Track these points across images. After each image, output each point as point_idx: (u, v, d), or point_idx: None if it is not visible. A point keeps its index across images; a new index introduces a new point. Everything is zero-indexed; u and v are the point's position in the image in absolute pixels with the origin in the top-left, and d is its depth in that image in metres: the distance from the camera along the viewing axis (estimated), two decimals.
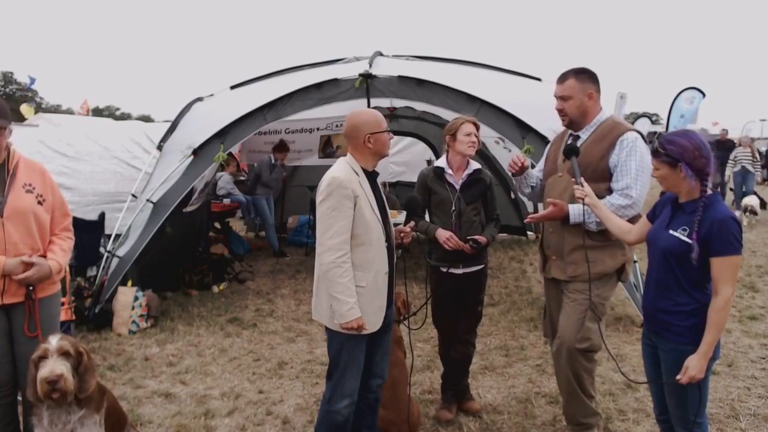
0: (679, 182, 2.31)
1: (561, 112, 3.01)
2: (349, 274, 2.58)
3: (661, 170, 2.33)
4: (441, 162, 3.53)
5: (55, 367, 2.37)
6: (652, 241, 2.46)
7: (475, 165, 3.50)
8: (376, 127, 2.71)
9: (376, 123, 2.72)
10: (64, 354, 2.43)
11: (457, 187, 3.45)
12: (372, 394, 2.91)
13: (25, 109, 13.62)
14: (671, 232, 2.33)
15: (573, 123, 3.01)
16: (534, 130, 5.00)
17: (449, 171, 3.47)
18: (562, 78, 3.00)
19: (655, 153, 2.34)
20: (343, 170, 2.66)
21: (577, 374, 2.95)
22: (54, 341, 2.45)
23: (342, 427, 2.74)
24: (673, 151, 2.27)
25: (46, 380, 2.34)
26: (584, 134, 2.99)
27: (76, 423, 2.46)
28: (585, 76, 2.97)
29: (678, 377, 2.28)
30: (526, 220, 3.23)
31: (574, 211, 2.87)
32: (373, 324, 2.68)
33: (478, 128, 3.45)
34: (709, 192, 2.28)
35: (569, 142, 3.04)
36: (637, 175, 2.83)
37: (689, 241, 2.25)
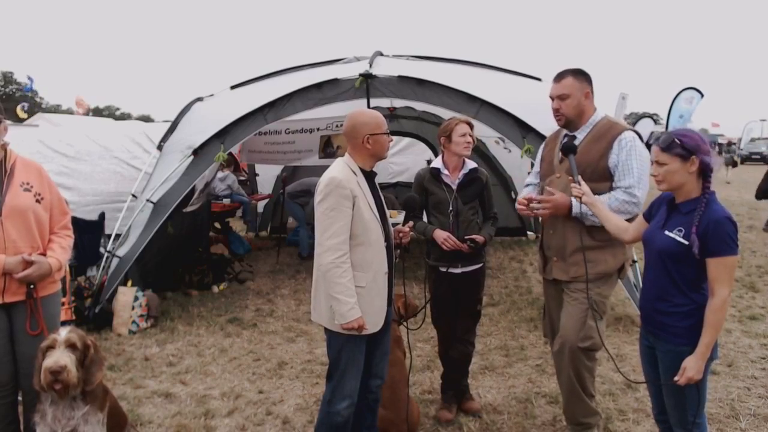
0: (685, 177, 2.28)
1: (557, 111, 3.00)
2: (349, 274, 2.58)
3: (670, 164, 2.28)
4: (437, 163, 3.53)
5: (60, 358, 2.39)
6: (648, 241, 2.46)
7: (471, 164, 3.51)
8: (376, 128, 2.71)
9: (376, 124, 2.72)
10: (70, 346, 2.45)
11: (454, 187, 3.46)
12: (371, 394, 2.91)
13: (18, 111, 13.76)
14: (667, 233, 2.33)
15: (569, 123, 3.01)
16: (534, 130, 5.00)
17: (445, 171, 3.47)
18: (560, 77, 2.99)
19: (668, 146, 2.29)
20: (341, 170, 2.66)
21: (578, 373, 2.95)
22: (63, 332, 2.48)
23: (342, 427, 2.74)
24: (689, 143, 2.26)
25: (50, 370, 2.36)
26: (580, 134, 2.99)
27: (80, 419, 2.47)
28: (581, 75, 2.98)
29: (676, 378, 2.27)
30: (531, 205, 3.06)
31: (576, 201, 2.86)
32: (373, 324, 2.68)
33: (472, 127, 3.45)
34: (711, 190, 2.28)
35: (565, 140, 3.04)
36: (639, 175, 2.83)
37: (685, 242, 2.25)
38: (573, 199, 2.86)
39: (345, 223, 2.58)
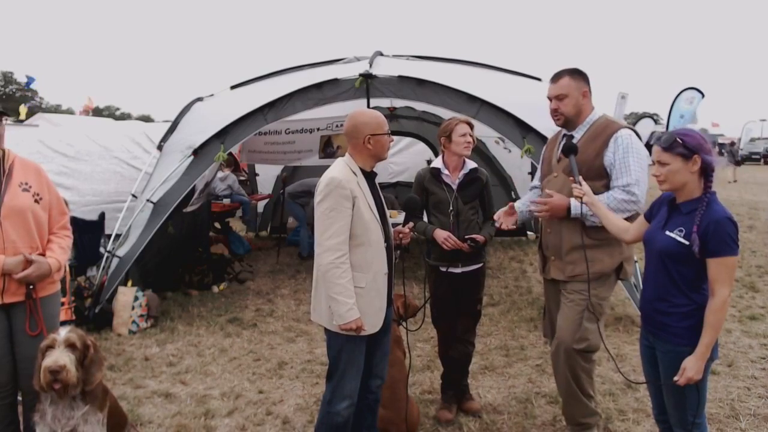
0: (686, 177, 2.27)
1: (555, 111, 3.01)
2: (348, 275, 2.57)
3: (672, 164, 2.27)
4: (437, 163, 3.53)
5: (59, 357, 2.39)
6: (648, 242, 2.45)
7: (471, 164, 3.51)
8: (377, 128, 2.71)
9: (377, 125, 2.72)
10: (70, 346, 2.45)
11: (454, 187, 3.46)
12: (372, 394, 2.91)
13: (21, 109, 13.74)
14: (667, 233, 2.33)
15: (568, 122, 3.01)
16: (534, 130, 5.00)
17: (446, 171, 3.47)
18: (557, 77, 3.01)
19: (670, 146, 2.27)
20: (341, 170, 2.66)
21: (575, 375, 2.95)
22: (63, 332, 2.48)
23: (342, 428, 2.74)
24: (691, 143, 2.25)
25: (49, 369, 2.36)
26: (578, 133, 3.00)
27: (79, 419, 2.47)
28: (578, 75, 2.99)
29: (675, 378, 2.27)
30: (529, 209, 3.17)
31: (575, 202, 2.86)
32: (373, 325, 2.68)
33: (472, 127, 3.45)
34: (712, 190, 2.28)
35: (564, 141, 3.04)
36: (638, 173, 2.83)
37: (685, 242, 2.25)
38: (572, 200, 2.86)
39: (345, 223, 2.58)
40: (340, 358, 2.69)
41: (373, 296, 2.67)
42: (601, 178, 2.90)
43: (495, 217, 3.30)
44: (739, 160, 23.76)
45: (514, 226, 3.32)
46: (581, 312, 2.90)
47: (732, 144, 26.81)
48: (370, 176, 2.78)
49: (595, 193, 2.80)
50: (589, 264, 2.85)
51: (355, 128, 2.72)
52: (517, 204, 3.35)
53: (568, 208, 2.88)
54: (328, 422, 2.74)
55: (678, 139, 2.27)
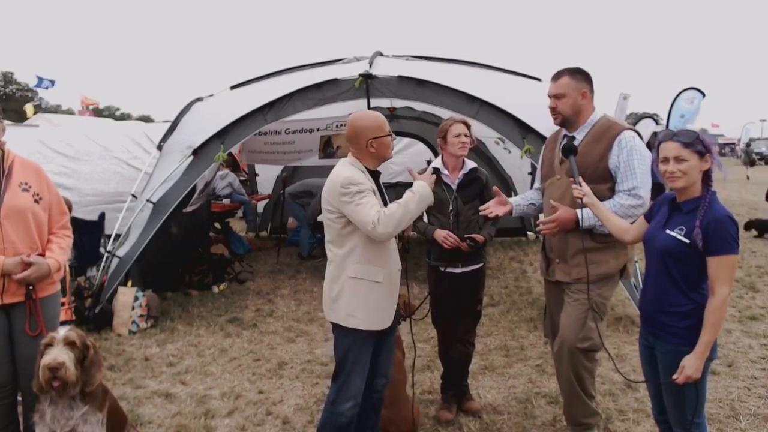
0: (697, 176, 2.28)
1: (554, 110, 3.01)
2: (400, 207, 2.57)
3: (691, 161, 2.26)
4: (437, 163, 3.54)
5: (58, 355, 2.39)
6: (648, 241, 2.45)
7: (470, 164, 3.51)
8: (378, 131, 2.70)
9: (378, 127, 2.71)
10: (69, 344, 2.45)
11: (454, 187, 3.46)
12: (377, 393, 2.91)
13: (28, 108, 13.72)
14: (668, 231, 2.33)
15: (566, 122, 3.01)
16: (534, 130, 5.00)
17: (445, 171, 3.48)
18: (557, 76, 3.01)
19: (692, 142, 2.27)
20: (350, 170, 2.67)
21: (578, 374, 2.94)
22: (62, 331, 2.47)
23: (345, 428, 2.73)
24: (707, 141, 2.28)
25: (48, 367, 2.36)
26: (579, 134, 2.99)
27: (79, 419, 2.47)
28: (579, 75, 2.98)
29: (674, 377, 2.27)
30: (537, 229, 3.18)
31: (584, 214, 2.85)
32: (387, 320, 2.71)
33: (469, 127, 3.44)
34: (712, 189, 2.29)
35: (564, 141, 3.03)
36: (643, 176, 2.82)
37: (686, 240, 2.25)
38: (578, 212, 2.85)
39: (374, 200, 2.57)
40: (347, 358, 2.70)
41: (389, 292, 2.70)
42: (605, 181, 2.89)
43: (482, 207, 3.24)
44: (753, 160, 25.38)
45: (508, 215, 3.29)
46: (585, 311, 2.89)
47: (748, 145, 28.55)
48: (374, 175, 2.79)
49: (601, 196, 2.80)
50: (595, 266, 2.85)
51: (356, 133, 2.71)
52: (515, 198, 3.34)
53: (577, 220, 2.87)
54: (332, 422, 2.73)
55: (699, 137, 2.28)
